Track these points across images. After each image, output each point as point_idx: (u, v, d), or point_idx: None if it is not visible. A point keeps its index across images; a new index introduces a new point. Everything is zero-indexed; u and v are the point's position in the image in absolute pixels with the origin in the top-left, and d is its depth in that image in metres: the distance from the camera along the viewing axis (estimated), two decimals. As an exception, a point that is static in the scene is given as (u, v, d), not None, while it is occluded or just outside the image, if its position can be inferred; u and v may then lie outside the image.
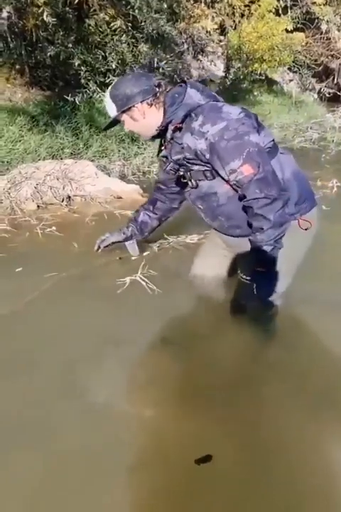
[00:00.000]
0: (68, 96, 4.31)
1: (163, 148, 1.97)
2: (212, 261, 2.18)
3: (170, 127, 1.83)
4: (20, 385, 1.53)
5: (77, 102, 4.39)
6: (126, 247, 2.41)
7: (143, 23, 4.27)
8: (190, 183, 1.91)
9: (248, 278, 1.84)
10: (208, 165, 1.80)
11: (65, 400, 1.48)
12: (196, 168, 1.84)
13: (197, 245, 2.45)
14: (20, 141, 4.18)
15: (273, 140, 1.87)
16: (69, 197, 3.41)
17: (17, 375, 1.57)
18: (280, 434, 1.37)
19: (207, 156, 1.75)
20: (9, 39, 4.73)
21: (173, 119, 1.81)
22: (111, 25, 4.17)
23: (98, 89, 4.31)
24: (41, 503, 1.14)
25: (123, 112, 1.84)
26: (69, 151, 4.36)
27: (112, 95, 1.85)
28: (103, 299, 2.10)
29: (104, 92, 4.14)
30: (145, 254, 2.48)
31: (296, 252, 1.92)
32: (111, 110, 1.87)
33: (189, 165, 1.85)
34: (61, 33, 4.23)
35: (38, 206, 3.29)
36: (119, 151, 4.61)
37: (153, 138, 1.97)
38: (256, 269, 1.81)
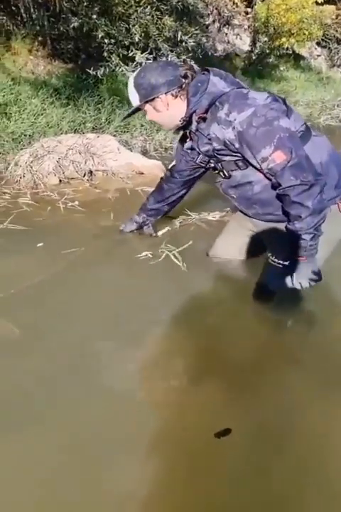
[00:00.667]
0: (91, 69, 4.25)
1: (188, 139, 1.92)
2: (236, 240, 2.14)
3: (195, 118, 1.76)
4: (34, 360, 1.53)
5: (100, 76, 4.33)
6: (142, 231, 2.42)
7: (168, -6, 4.18)
8: (221, 174, 1.85)
9: (280, 262, 1.78)
10: (239, 154, 1.72)
11: (80, 375, 1.48)
12: (227, 158, 1.77)
13: (219, 222, 2.42)
14: (42, 114, 4.17)
15: (305, 123, 1.78)
16: (91, 172, 3.41)
17: (30, 352, 1.57)
18: (298, 411, 1.36)
19: (237, 145, 1.68)
20: (32, 10, 4.67)
21: (197, 109, 1.74)
22: (136, -4, 4.08)
23: (121, 62, 4.23)
24: (54, 478, 1.14)
25: (147, 102, 1.78)
26: (91, 126, 4.34)
27: (136, 84, 1.76)
28: (123, 273, 2.10)
29: (127, 65, 4.09)
30: (167, 230, 2.47)
31: (334, 237, 1.85)
32: (134, 99, 1.80)
33: (219, 156, 1.79)
34: (85, 4, 4.16)
35: (60, 180, 3.30)
36: (141, 126, 4.57)
37: (178, 130, 1.90)
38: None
